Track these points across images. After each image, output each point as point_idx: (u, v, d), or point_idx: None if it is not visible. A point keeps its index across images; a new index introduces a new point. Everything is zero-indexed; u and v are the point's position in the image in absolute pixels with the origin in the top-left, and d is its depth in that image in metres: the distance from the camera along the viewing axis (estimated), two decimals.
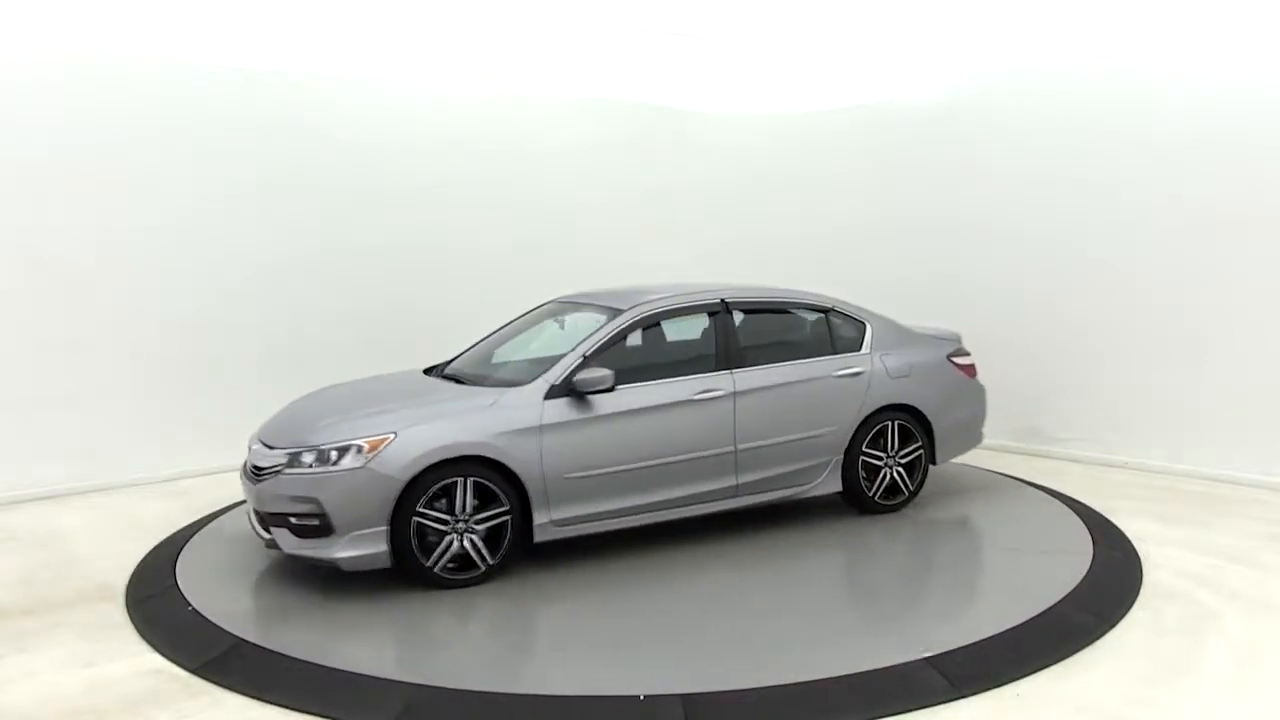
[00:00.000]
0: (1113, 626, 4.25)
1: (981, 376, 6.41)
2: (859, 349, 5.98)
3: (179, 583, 4.95)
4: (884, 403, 5.90)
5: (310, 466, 4.71)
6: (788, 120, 9.57)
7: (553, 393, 5.06)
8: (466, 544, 4.81)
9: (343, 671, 3.89)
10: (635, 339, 5.58)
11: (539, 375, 5.13)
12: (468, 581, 4.83)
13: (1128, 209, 7.22)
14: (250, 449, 5.17)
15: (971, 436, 6.41)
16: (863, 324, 6.08)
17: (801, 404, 5.66)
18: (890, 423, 5.94)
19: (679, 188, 9.65)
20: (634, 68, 9.48)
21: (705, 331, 5.72)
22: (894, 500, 6.01)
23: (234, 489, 5.98)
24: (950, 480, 6.74)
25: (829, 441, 5.75)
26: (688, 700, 3.58)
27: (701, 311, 5.71)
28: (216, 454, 7.10)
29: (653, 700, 3.59)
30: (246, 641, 4.20)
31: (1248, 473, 6.64)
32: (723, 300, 5.72)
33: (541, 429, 4.95)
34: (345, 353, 7.74)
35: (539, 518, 4.97)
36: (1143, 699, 3.59)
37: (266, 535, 4.92)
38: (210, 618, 4.46)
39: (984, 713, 3.53)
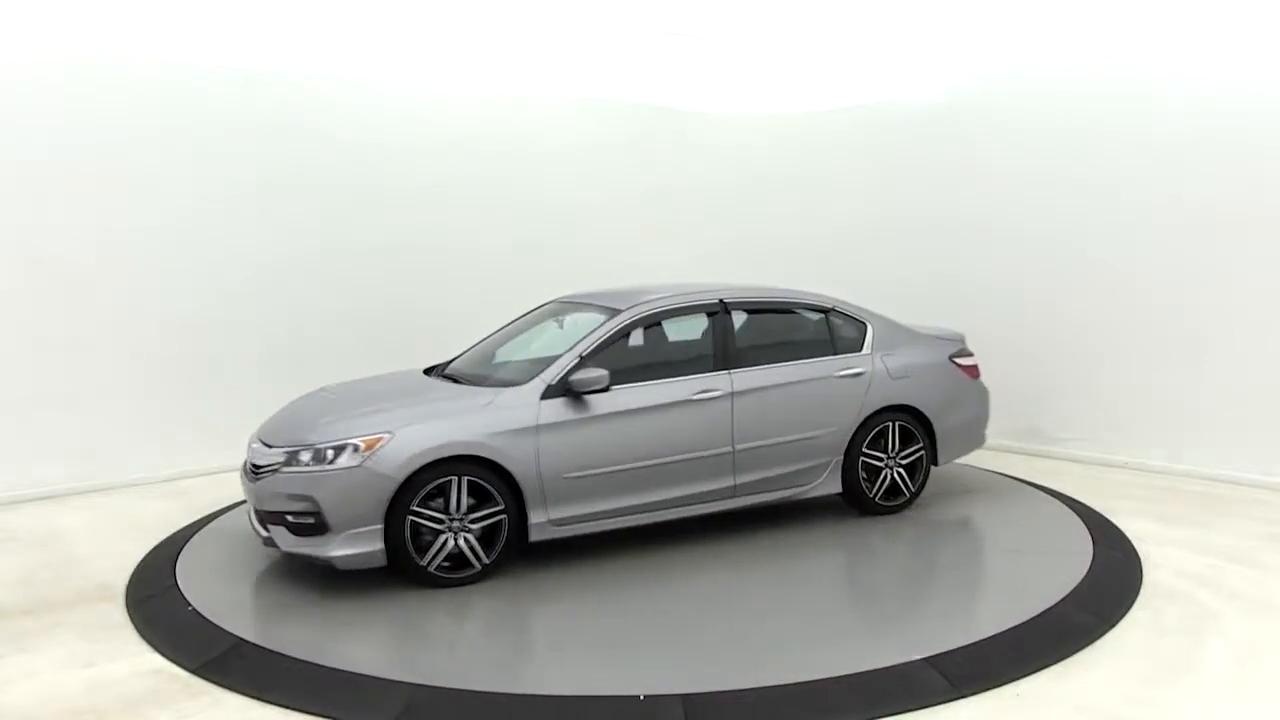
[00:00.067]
0: (1113, 626, 4.25)
1: (982, 377, 6.41)
2: (860, 349, 5.97)
3: (179, 583, 4.95)
4: (884, 403, 5.89)
5: (307, 465, 4.74)
6: (788, 120, 9.57)
7: (549, 393, 5.07)
8: (461, 543, 4.82)
9: (343, 671, 3.90)
10: (634, 339, 5.58)
11: (536, 375, 5.14)
12: (463, 580, 4.84)
13: (1128, 209, 7.22)
14: (250, 447, 5.19)
15: (974, 437, 6.39)
16: (863, 324, 6.07)
17: (800, 404, 5.65)
18: (891, 424, 5.92)
19: (679, 188, 9.65)
20: (634, 68, 9.48)
21: (704, 332, 5.72)
22: (895, 501, 5.99)
23: (234, 489, 5.98)
24: (950, 480, 6.74)
25: (828, 442, 5.74)
26: (687, 700, 3.58)
27: (700, 312, 5.71)
28: (216, 454, 7.11)
29: (653, 700, 3.59)
30: (246, 641, 4.20)
31: (1248, 473, 6.64)
32: (721, 300, 5.71)
33: (538, 429, 4.96)
34: (345, 353, 7.75)
35: (535, 517, 4.98)
36: (1143, 699, 3.59)
37: (264, 533, 4.94)
38: (210, 618, 4.46)
39: (984, 713, 3.53)
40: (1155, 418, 7.18)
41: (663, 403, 5.29)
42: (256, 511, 5.01)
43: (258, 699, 3.70)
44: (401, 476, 4.68)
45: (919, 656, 3.89)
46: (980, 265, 8.15)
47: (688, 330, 5.80)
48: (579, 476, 5.05)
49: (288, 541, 4.81)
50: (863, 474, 5.85)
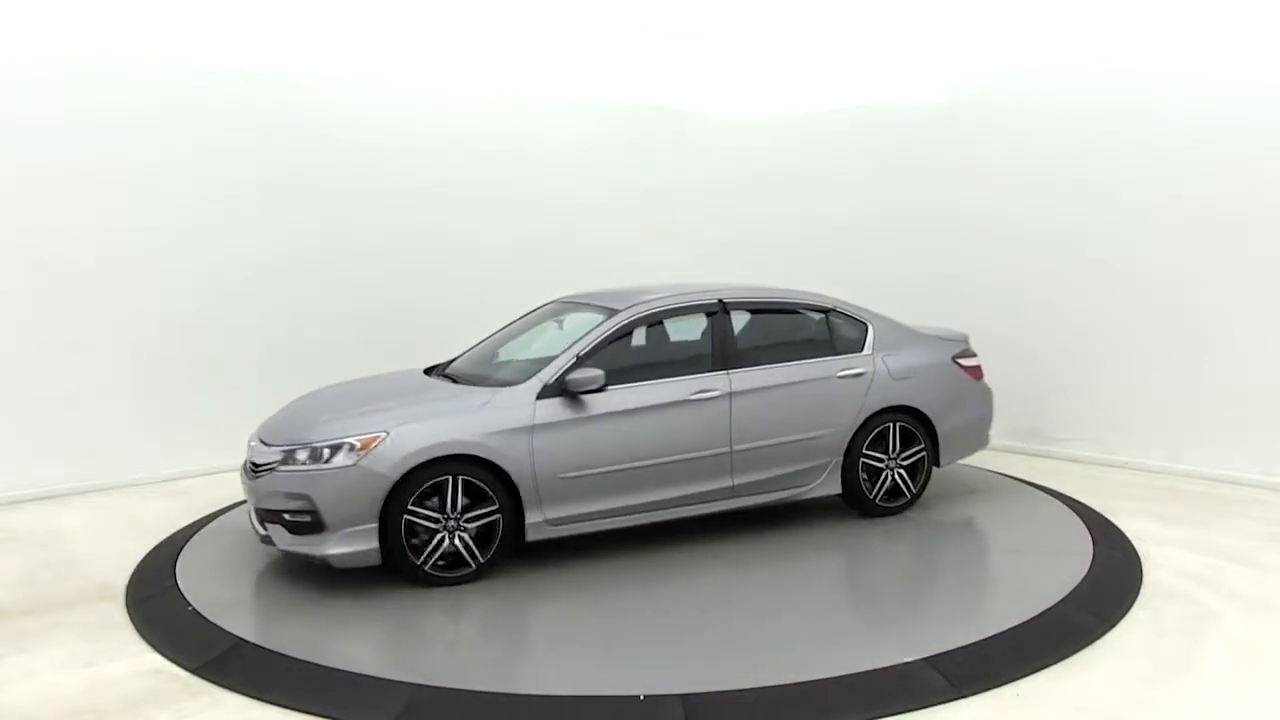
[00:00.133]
0: (1113, 626, 4.25)
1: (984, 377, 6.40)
2: (860, 350, 5.95)
3: (179, 583, 4.95)
4: (885, 404, 5.87)
5: (303, 464, 4.76)
6: (788, 120, 9.57)
7: (546, 392, 5.07)
8: (457, 542, 4.83)
9: (343, 671, 3.90)
10: (632, 339, 5.59)
11: (533, 375, 5.15)
12: (458, 579, 4.85)
13: (1128, 209, 7.22)
14: (249, 446, 5.21)
15: (977, 439, 6.36)
16: (864, 325, 6.05)
17: (799, 405, 5.64)
18: (892, 424, 5.90)
19: (679, 188, 9.65)
20: (634, 68, 9.48)
21: (703, 332, 5.71)
22: (895, 502, 5.97)
23: (234, 489, 5.99)
24: (950, 480, 6.73)
25: (828, 443, 5.73)
26: (687, 700, 3.58)
27: (699, 312, 5.71)
28: (216, 454, 7.11)
29: (653, 700, 3.59)
30: (246, 641, 4.20)
31: (1248, 473, 6.64)
32: (720, 300, 5.71)
33: (533, 429, 4.97)
34: (345, 353, 7.75)
35: (531, 517, 4.98)
36: (1143, 699, 3.59)
37: (262, 531, 4.97)
38: (210, 617, 4.46)
39: (984, 713, 3.53)
40: (1155, 418, 7.18)
41: (660, 403, 5.29)
42: (255, 510, 5.03)
43: (258, 699, 3.70)
44: (396, 475, 4.69)
45: (919, 656, 3.89)
46: (980, 265, 8.15)
47: (687, 330, 5.80)
48: (575, 476, 5.05)
49: (284, 540, 4.84)
50: (863, 475, 5.84)
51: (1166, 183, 6.99)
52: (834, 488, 5.80)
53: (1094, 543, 5.37)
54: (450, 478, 4.79)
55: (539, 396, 5.06)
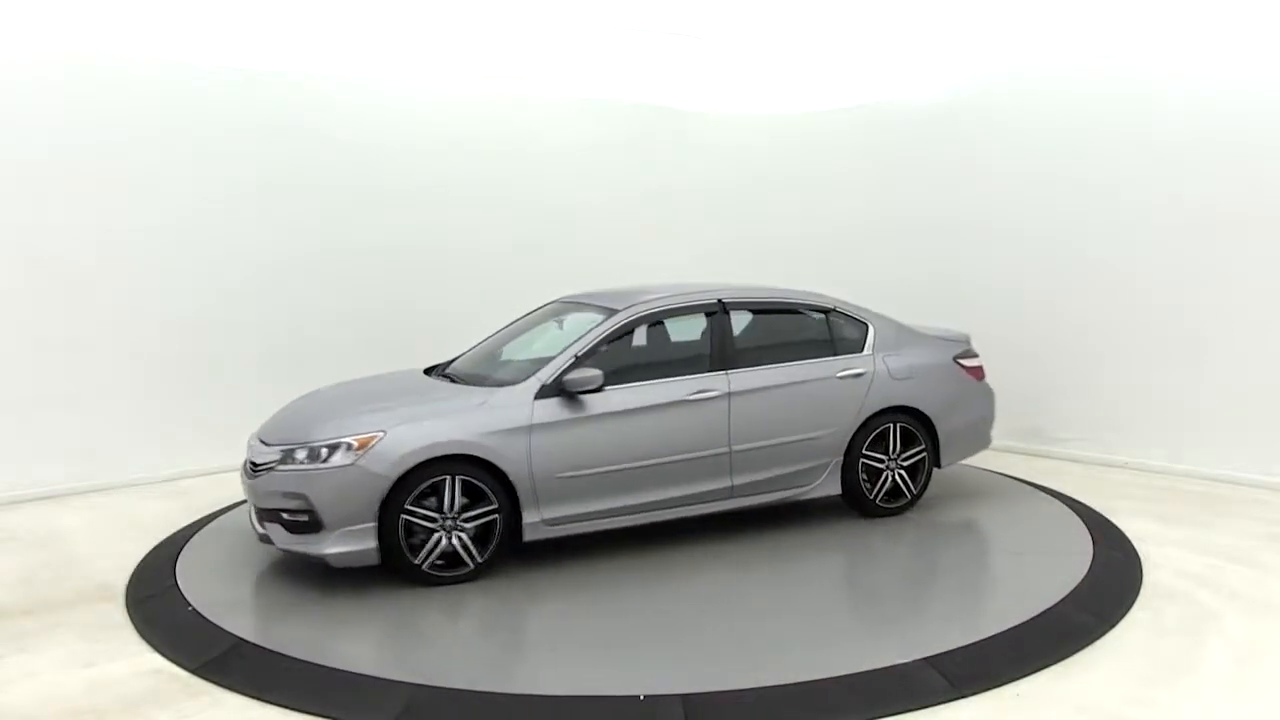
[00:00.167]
0: (1113, 626, 4.25)
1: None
2: (861, 350, 5.94)
3: (179, 583, 4.95)
4: (885, 404, 5.85)
5: (301, 463, 4.78)
6: (788, 120, 9.57)
7: (543, 392, 5.08)
8: (455, 542, 4.83)
9: (343, 671, 3.90)
10: (631, 339, 5.59)
11: (531, 375, 5.15)
12: (456, 579, 4.86)
13: (1128, 209, 7.22)
14: (249, 445, 5.22)
15: (979, 439, 6.34)
16: (865, 325, 6.04)
17: (799, 405, 5.63)
18: (892, 425, 5.89)
19: (679, 188, 9.65)
20: (634, 68, 9.48)
21: (702, 332, 5.71)
22: (896, 503, 5.96)
23: (234, 489, 5.99)
24: (950, 480, 6.73)
25: (827, 443, 5.72)
26: (687, 700, 3.58)
27: (698, 312, 5.71)
28: (216, 454, 7.10)
29: (653, 700, 3.59)
30: (246, 641, 4.20)
31: (1248, 473, 6.64)
32: (719, 300, 5.71)
33: (531, 429, 4.97)
34: (345, 353, 7.74)
35: (528, 517, 4.99)
36: (1143, 699, 3.59)
37: (261, 530, 4.98)
38: (210, 618, 4.46)
39: (984, 713, 3.53)
40: (1155, 418, 7.18)
41: (658, 403, 5.29)
42: (254, 509, 5.04)
43: (258, 699, 3.70)
44: (394, 475, 4.70)
45: (919, 656, 3.89)
46: (980, 265, 8.15)
47: (686, 330, 5.80)
48: (572, 476, 5.05)
49: (283, 539, 4.85)
50: (863, 475, 5.83)
51: (1166, 183, 6.99)
52: (834, 488, 5.80)
53: (1094, 543, 5.37)
54: (448, 477, 4.79)
55: (537, 396, 5.06)
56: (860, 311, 6.10)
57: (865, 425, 5.81)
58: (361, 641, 4.36)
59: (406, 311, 8.27)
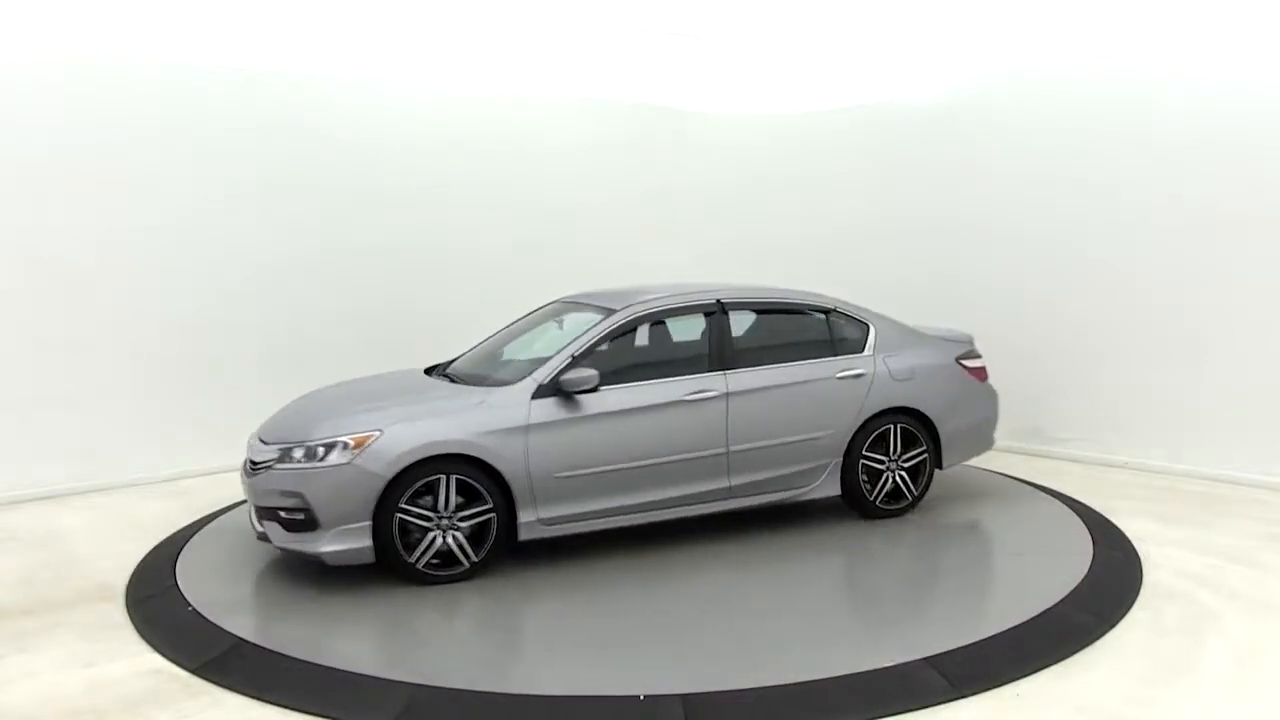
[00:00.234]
0: (1113, 626, 4.25)
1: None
2: (861, 350, 5.92)
3: (179, 583, 4.95)
4: (885, 405, 5.83)
5: (298, 462, 4.80)
6: (788, 120, 9.57)
7: (540, 392, 5.08)
8: (450, 541, 4.84)
9: (343, 671, 3.90)
10: (630, 339, 5.59)
11: (528, 375, 5.16)
12: (451, 578, 4.87)
13: (1128, 209, 7.22)
14: (249, 445, 5.24)
15: (981, 441, 6.31)
16: (866, 325, 6.01)
17: (797, 406, 5.61)
18: (893, 426, 5.87)
19: (679, 188, 9.65)
20: (634, 68, 9.48)
21: (701, 332, 5.71)
22: (897, 505, 5.93)
23: (234, 489, 5.99)
24: (950, 480, 6.73)
25: (826, 444, 5.70)
26: (687, 700, 3.58)
27: (697, 312, 5.70)
28: (216, 454, 7.10)
29: (653, 700, 3.59)
30: (246, 641, 4.20)
31: (1248, 473, 6.64)
32: (718, 301, 5.70)
33: (528, 428, 4.97)
34: (345, 353, 7.74)
35: (524, 516, 4.99)
36: (1143, 699, 3.59)
37: (259, 528, 5.00)
38: (210, 618, 4.46)
39: (984, 713, 3.53)
40: (1155, 418, 7.18)
41: (655, 403, 5.28)
42: (253, 507, 5.06)
43: (258, 699, 3.70)
44: (389, 474, 4.71)
45: (919, 656, 3.89)
46: (980, 265, 8.15)
47: (685, 330, 5.80)
48: (569, 476, 5.06)
49: (280, 537, 4.87)
50: (863, 477, 5.81)
51: (1166, 183, 6.99)
52: (833, 489, 5.79)
53: (1094, 543, 5.37)
54: (443, 477, 4.80)
55: (533, 396, 5.07)
56: (861, 312, 6.09)
57: (865, 426, 5.79)
58: (361, 641, 4.37)
59: (406, 311, 8.27)
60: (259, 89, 7.60)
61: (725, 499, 5.50)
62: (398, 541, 4.76)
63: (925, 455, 5.97)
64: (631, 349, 5.64)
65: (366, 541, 4.73)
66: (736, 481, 5.49)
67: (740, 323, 5.82)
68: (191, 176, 7.36)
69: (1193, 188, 6.84)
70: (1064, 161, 7.56)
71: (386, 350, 7.57)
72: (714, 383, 5.45)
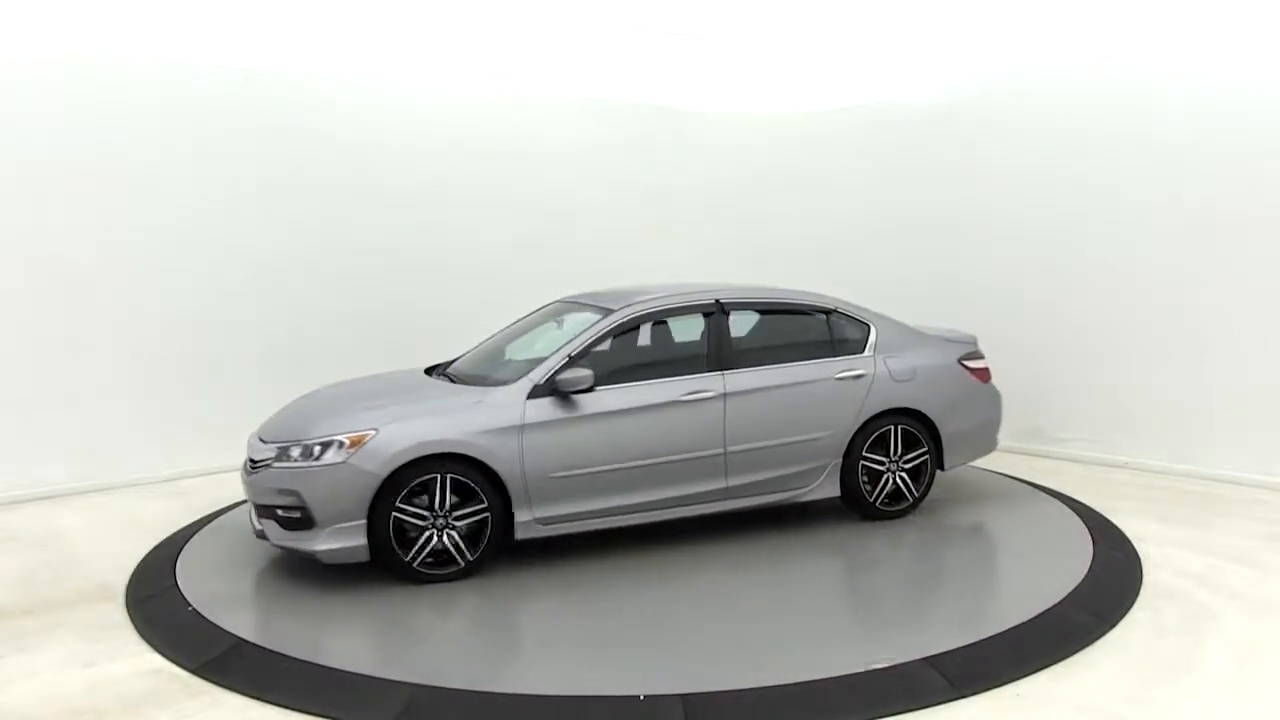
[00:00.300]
0: (1113, 626, 4.25)
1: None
2: (861, 351, 5.90)
3: (179, 583, 4.95)
4: (886, 406, 5.80)
5: (295, 460, 4.82)
6: (788, 120, 9.57)
7: (536, 392, 5.08)
8: (446, 540, 4.85)
9: (343, 671, 3.90)
10: (627, 339, 5.59)
11: (525, 375, 5.17)
12: (447, 577, 4.88)
13: (1128, 209, 7.22)
14: (249, 444, 5.26)
15: (984, 442, 6.28)
16: (867, 325, 5.99)
17: (795, 407, 5.59)
18: (893, 427, 5.85)
19: (679, 188, 9.65)
20: (634, 68, 9.48)
21: (700, 332, 5.70)
22: (898, 506, 5.90)
23: (234, 489, 5.98)
24: (950, 480, 6.73)
25: (825, 445, 5.68)
26: (687, 700, 3.58)
27: (695, 312, 5.69)
28: (216, 454, 7.10)
29: (653, 700, 3.59)
30: (246, 641, 4.20)
31: (1248, 473, 6.64)
32: (717, 301, 5.69)
33: (523, 428, 4.98)
34: (345, 353, 7.74)
35: (520, 515, 5.00)
36: (1143, 699, 3.59)
37: (258, 526, 5.02)
38: (210, 618, 4.46)
39: (984, 713, 3.53)
40: (1155, 418, 7.18)
41: (652, 403, 5.28)
42: (252, 505, 5.08)
43: (258, 699, 3.70)
44: (384, 473, 4.73)
45: (919, 656, 3.89)
46: (980, 265, 8.15)
47: (683, 330, 5.79)
48: (564, 476, 5.06)
49: (277, 535, 4.89)
50: (863, 478, 5.79)
51: (1166, 183, 6.99)
52: (833, 490, 5.77)
53: (1094, 543, 5.37)
54: (439, 476, 4.81)
55: (529, 396, 5.07)
56: (862, 312, 6.07)
57: (865, 427, 5.77)
58: (361, 641, 4.37)
59: (406, 311, 8.27)
60: (259, 89, 7.60)
61: (723, 500, 5.49)
62: (393, 540, 4.77)
63: (926, 456, 5.95)
64: (629, 349, 5.64)
65: (362, 540, 4.74)
66: (734, 482, 5.48)
67: (739, 323, 5.82)
68: (191, 176, 7.37)
69: (1193, 188, 6.84)
70: (1064, 161, 7.56)
71: (386, 350, 7.57)
72: (711, 383, 5.45)
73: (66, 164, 6.86)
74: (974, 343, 6.34)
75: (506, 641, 4.47)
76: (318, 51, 7.90)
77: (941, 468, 6.04)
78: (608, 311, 5.51)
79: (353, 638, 4.40)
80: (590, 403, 5.15)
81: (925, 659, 3.87)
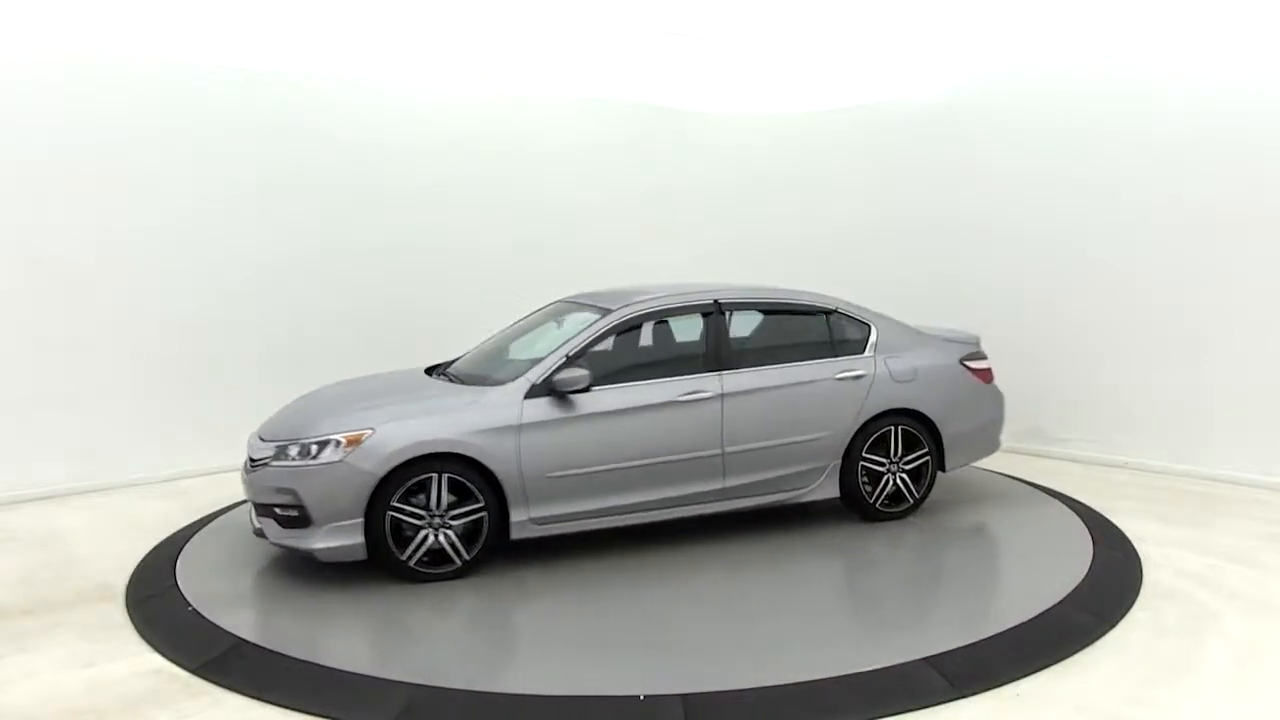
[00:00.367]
0: (1113, 626, 4.25)
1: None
2: (862, 351, 5.88)
3: (179, 583, 4.95)
4: (886, 407, 5.78)
5: (293, 459, 4.84)
6: (788, 120, 9.57)
7: (533, 392, 5.09)
8: (442, 539, 4.86)
9: (343, 671, 3.90)
10: (626, 339, 5.59)
11: (522, 375, 5.17)
12: (443, 576, 4.89)
13: (1128, 209, 7.22)
14: (249, 443, 5.28)
15: (987, 443, 6.26)
16: (867, 326, 5.97)
17: (794, 407, 5.58)
18: (894, 428, 5.83)
19: (679, 188, 9.65)
20: (634, 68, 9.48)
21: (699, 333, 5.70)
22: (898, 507, 5.88)
23: (234, 489, 5.98)
24: (951, 481, 6.72)
25: (825, 446, 5.66)
26: (687, 700, 3.58)
27: (693, 312, 5.69)
28: (216, 454, 7.10)
29: (653, 700, 3.59)
30: (246, 641, 4.20)
31: (1248, 473, 6.64)
32: (716, 301, 5.69)
33: (520, 428, 4.98)
34: (345, 353, 7.74)
35: (516, 515, 5.00)
36: (1143, 699, 3.59)
37: (256, 524, 5.04)
38: (210, 617, 4.46)
39: (984, 713, 3.53)
40: (1155, 418, 7.18)
41: (649, 403, 5.27)
42: (252, 504, 5.10)
43: (258, 699, 3.70)
44: (381, 472, 4.74)
45: (919, 656, 3.89)
46: (980, 265, 8.15)
47: (682, 330, 5.79)
48: (561, 476, 5.06)
49: (275, 533, 4.91)
50: (863, 479, 5.77)
51: (1166, 183, 6.99)
52: (832, 491, 5.75)
53: (1094, 543, 5.37)
54: (435, 475, 4.82)
55: (526, 396, 5.08)
56: (863, 312, 6.05)
57: (865, 428, 5.75)
58: (361, 641, 4.37)
59: (406, 311, 8.27)
60: (259, 89, 7.60)
61: (721, 500, 5.48)
62: (389, 539, 4.78)
63: (927, 457, 5.93)
64: (628, 349, 5.64)
65: (358, 539, 4.75)
66: (732, 483, 5.47)
67: (738, 323, 5.81)
68: (191, 176, 7.37)
69: (1193, 188, 6.84)
70: (1064, 161, 7.56)
71: (386, 350, 7.57)
72: (709, 383, 5.44)
73: (66, 164, 6.86)
74: (977, 343, 6.32)
75: (506, 641, 4.47)
76: (318, 51, 7.90)
77: (943, 469, 6.02)
78: (606, 311, 5.51)
79: (353, 637, 4.40)
80: (587, 403, 5.15)
81: (925, 659, 3.87)
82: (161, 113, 7.22)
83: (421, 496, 4.83)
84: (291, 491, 4.76)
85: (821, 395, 5.68)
